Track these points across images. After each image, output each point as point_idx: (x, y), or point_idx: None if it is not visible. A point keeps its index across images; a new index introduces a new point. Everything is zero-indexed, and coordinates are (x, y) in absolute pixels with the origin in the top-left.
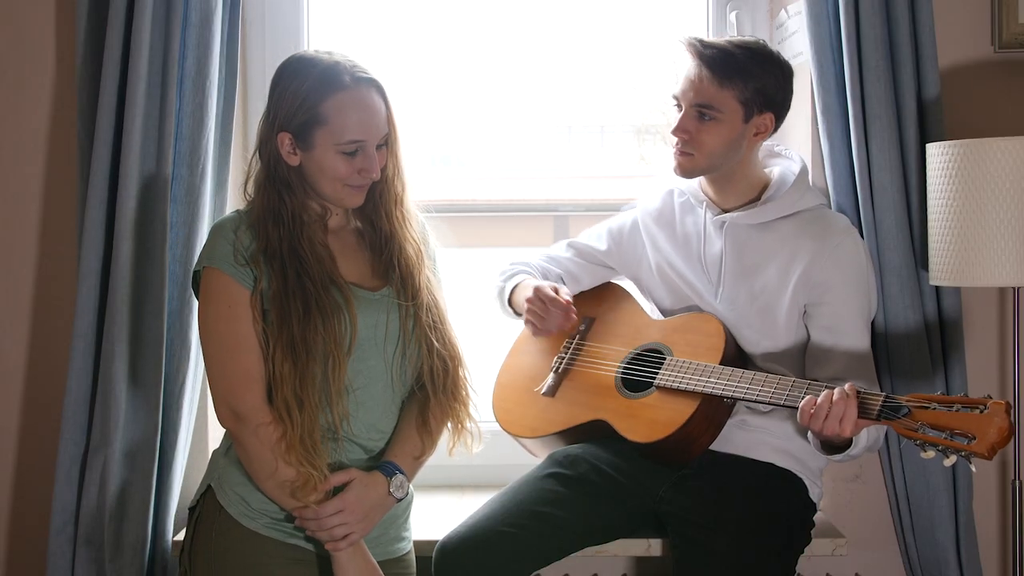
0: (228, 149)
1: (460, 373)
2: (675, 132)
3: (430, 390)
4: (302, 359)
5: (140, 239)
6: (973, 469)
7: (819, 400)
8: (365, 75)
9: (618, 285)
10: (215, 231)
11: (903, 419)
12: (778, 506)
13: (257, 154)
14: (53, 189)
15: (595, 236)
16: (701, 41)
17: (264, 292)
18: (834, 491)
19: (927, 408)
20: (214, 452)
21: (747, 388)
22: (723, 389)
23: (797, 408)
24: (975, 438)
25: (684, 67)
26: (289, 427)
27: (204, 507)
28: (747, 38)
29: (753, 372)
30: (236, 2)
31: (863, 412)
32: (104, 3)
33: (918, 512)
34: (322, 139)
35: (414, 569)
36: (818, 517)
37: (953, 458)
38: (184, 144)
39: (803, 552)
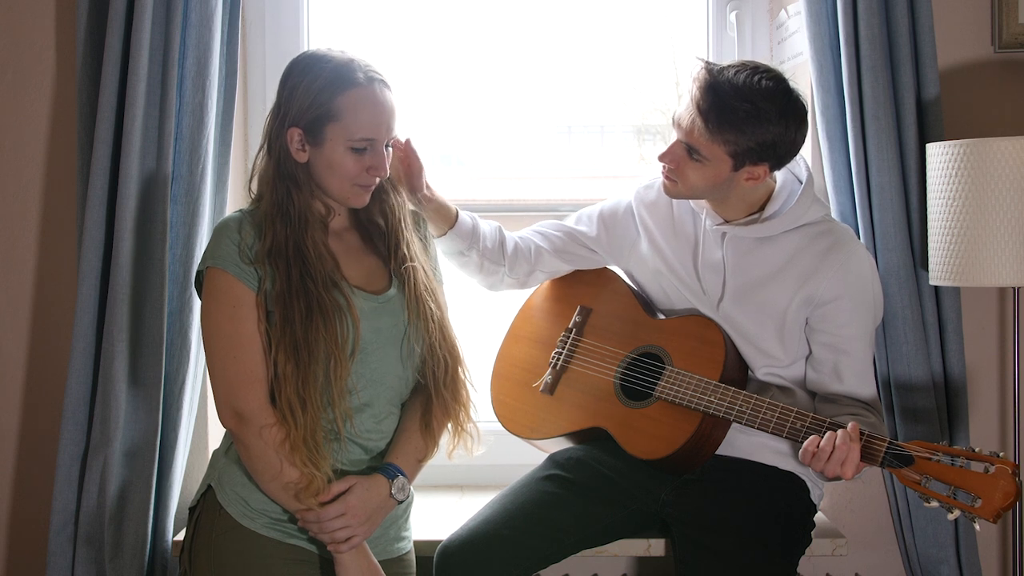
0: (228, 149)
1: (460, 374)
2: (661, 158)
3: (432, 391)
4: (304, 360)
5: (140, 239)
6: (977, 528)
7: (822, 443)
8: (377, 75)
9: (613, 272)
10: (219, 230)
11: (907, 469)
12: (780, 507)
13: (264, 150)
14: (53, 189)
15: (585, 219)
16: (709, 76)
17: (268, 293)
18: (834, 491)
19: (932, 459)
20: (214, 452)
21: (749, 414)
22: (724, 411)
23: (798, 440)
24: (980, 499)
25: (689, 91)
26: (292, 427)
27: (204, 507)
28: (765, 80)
29: (755, 396)
30: (236, 2)
31: (866, 456)
32: (104, 3)
33: (918, 512)
34: (333, 135)
35: (414, 569)
36: (818, 517)
37: (957, 513)
38: (184, 144)
39: (804, 553)
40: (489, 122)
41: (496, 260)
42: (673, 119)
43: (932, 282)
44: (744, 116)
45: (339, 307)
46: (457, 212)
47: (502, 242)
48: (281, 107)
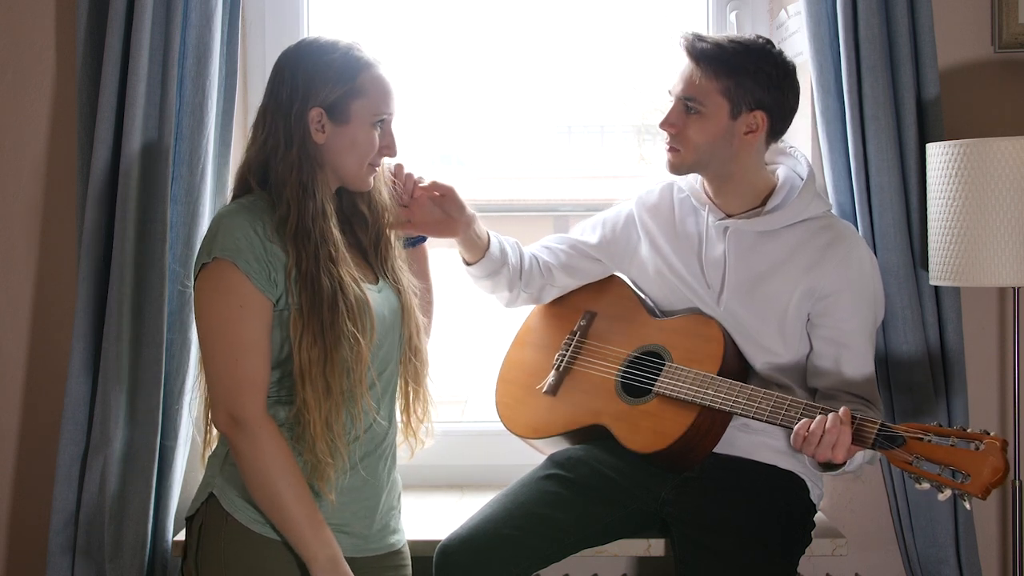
0: (228, 149)
1: (426, 378)
2: (662, 125)
3: (406, 386)
4: (331, 344)
5: (140, 239)
6: (968, 507)
7: (812, 426)
8: (376, 58)
9: (619, 277)
10: (230, 221)
11: (898, 449)
12: (780, 507)
13: (279, 134)
14: (53, 189)
15: (588, 228)
16: (697, 35)
17: (293, 279)
18: (834, 491)
19: (922, 440)
20: (210, 457)
21: (744, 404)
22: (721, 403)
23: (792, 429)
24: (970, 476)
25: (679, 43)
26: (315, 414)
27: (208, 516)
28: (749, 36)
29: (751, 387)
30: (236, 2)
31: (858, 439)
32: (104, 3)
33: (918, 512)
34: (359, 111)
35: (410, 561)
36: (818, 517)
37: (948, 492)
38: (184, 144)
39: (804, 552)
40: (489, 122)
41: (519, 276)
42: (669, 92)
43: (932, 282)
44: (733, 53)
45: (357, 294)
46: (489, 236)
47: (521, 258)
48: (298, 89)
